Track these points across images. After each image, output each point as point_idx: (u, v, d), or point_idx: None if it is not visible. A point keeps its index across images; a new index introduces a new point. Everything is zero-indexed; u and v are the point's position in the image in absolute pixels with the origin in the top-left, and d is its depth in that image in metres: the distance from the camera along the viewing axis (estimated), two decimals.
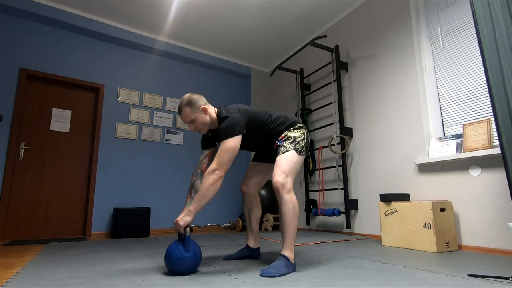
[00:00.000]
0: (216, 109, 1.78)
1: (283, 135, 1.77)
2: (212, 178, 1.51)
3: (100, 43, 3.94)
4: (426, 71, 2.75)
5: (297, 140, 1.73)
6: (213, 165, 1.54)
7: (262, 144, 1.85)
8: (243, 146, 1.83)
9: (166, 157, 4.16)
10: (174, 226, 1.60)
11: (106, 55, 3.96)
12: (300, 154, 1.71)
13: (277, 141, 1.78)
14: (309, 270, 1.59)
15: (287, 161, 1.65)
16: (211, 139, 1.85)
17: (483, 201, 2.19)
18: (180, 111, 1.69)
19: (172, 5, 3.54)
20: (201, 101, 1.71)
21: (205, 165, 1.79)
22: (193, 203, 1.51)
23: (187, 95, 1.71)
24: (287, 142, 1.72)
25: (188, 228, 1.54)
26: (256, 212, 1.96)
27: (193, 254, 1.53)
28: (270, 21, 3.86)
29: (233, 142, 1.56)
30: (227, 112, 1.65)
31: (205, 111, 1.70)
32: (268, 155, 1.95)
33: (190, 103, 1.67)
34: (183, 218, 1.51)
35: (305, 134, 1.79)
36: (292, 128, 1.80)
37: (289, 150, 1.68)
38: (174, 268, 1.51)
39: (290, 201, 1.59)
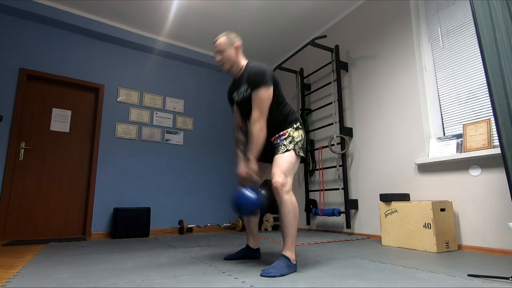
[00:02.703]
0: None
1: (284, 131, 1.75)
2: (258, 126, 1.66)
3: (100, 43, 3.94)
4: (426, 71, 2.75)
5: (296, 140, 1.73)
6: (255, 114, 1.66)
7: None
8: (244, 118, 1.89)
9: (166, 157, 4.16)
10: (239, 180, 1.81)
11: (106, 55, 3.96)
12: (298, 154, 1.71)
13: (278, 136, 1.75)
14: (309, 270, 1.59)
15: (286, 161, 1.65)
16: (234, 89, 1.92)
17: (483, 201, 2.19)
18: (216, 39, 1.83)
19: (172, 5, 3.54)
20: (237, 40, 1.83)
21: (239, 120, 1.95)
22: (250, 152, 1.67)
23: (228, 31, 1.89)
24: (287, 141, 1.71)
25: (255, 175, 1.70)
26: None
27: (260, 198, 1.66)
28: (270, 21, 3.86)
29: (267, 92, 1.68)
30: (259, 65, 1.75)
31: (237, 48, 1.82)
32: (264, 153, 1.90)
33: (228, 36, 1.82)
34: (249, 167, 1.68)
35: (303, 135, 1.80)
36: (294, 125, 1.79)
37: (289, 150, 1.68)
38: (246, 212, 1.63)
39: (290, 202, 1.59)
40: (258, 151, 1.68)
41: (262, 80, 1.67)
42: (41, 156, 3.43)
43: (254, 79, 1.68)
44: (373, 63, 3.22)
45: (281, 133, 1.76)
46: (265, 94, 1.67)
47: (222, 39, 1.80)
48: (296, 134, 1.75)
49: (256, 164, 1.69)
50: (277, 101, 1.77)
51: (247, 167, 1.70)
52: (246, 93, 1.76)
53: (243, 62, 1.85)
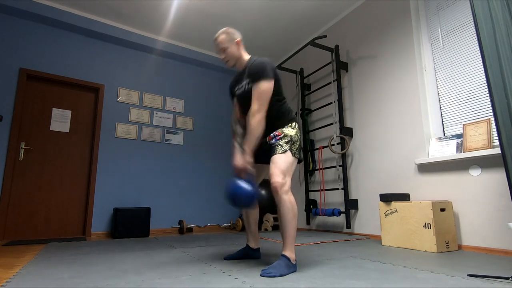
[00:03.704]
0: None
1: (279, 131, 1.74)
2: (257, 119, 1.66)
3: (100, 43, 3.94)
4: (426, 71, 2.75)
5: (293, 140, 1.72)
6: (254, 106, 1.66)
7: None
8: (244, 111, 1.89)
9: (166, 157, 4.16)
10: (235, 171, 1.79)
11: (106, 55, 3.96)
12: (294, 156, 1.70)
13: (273, 136, 1.74)
14: (309, 270, 1.59)
15: (284, 162, 1.64)
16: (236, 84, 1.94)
17: (483, 201, 2.19)
18: (216, 38, 1.83)
19: (172, 5, 3.54)
20: (237, 35, 1.84)
21: (238, 113, 1.95)
22: (247, 144, 1.68)
23: (226, 27, 1.88)
24: (283, 141, 1.70)
25: (252, 171, 1.72)
26: (254, 213, 1.95)
27: (256, 190, 1.65)
28: (270, 21, 3.86)
29: (267, 85, 1.67)
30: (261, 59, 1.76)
31: (238, 44, 1.83)
32: (261, 155, 1.88)
33: (227, 33, 1.82)
34: (245, 158, 1.68)
35: (300, 136, 1.79)
36: (291, 125, 1.78)
37: (286, 150, 1.67)
38: (241, 203, 1.62)
39: (289, 202, 1.59)
40: (255, 144, 1.68)
41: (263, 72, 1.67)
42: (41, 156, 3.43)
43: (255, 72, 1.69)
44: (373, 63, 3.22)
45: (276, 133, 1.74)
46: (266, 87, 1.67)
47: (222, 37, 1.81)
48: (292, 133, 1.74)
49: (251, 156, 1.69)
50: (277, 96, 1.77)
51: (243, 158, 1.71)
52: (247, 87, 1.77)
53: (246, 56, 1.87)
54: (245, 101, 1.82)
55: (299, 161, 1.80)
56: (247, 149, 1.68)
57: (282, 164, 1.63)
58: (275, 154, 1.67)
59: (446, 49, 2.65)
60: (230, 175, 4.66)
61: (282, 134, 1.73)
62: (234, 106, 1.99)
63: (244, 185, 1.61)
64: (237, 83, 1.90)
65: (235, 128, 1.96)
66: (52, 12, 3.48)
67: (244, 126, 1.96)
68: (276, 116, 1.77)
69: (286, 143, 1.70)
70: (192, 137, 4.44)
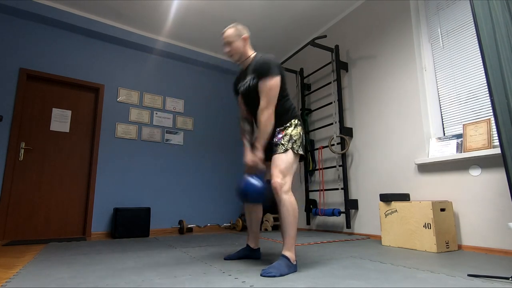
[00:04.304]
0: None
1: (283, 129, 1.74)
2: (266, 115, 1.68)
3: (100, 43, 3.94)
4: (426, 71, 2.75)
5: (294, 138, 1.71)
6: (263, 103, 1.68)
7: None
8: (248, 108, 1.91)
9: (166, 157, 4.16)
10: (246, 168, 1.82)
11: (106, 55, 3.96)
12: (297, 153, 1.70)
13: (276, 135, 1.74)
14: (309, 270, 1.59)
15: (284, 161, 1.64)
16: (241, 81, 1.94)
17: (483, 201, 2.19)
18: (224, 31, 1.87)
19: (172, 5, 3.54)
20: (245, 31, 1.87)
21: (244, 110, 1.97)
22: (257, 141, 1.70)
23: (235, 23, 1.91)
24: (285, 139, 1.70)
25: (262, 167, 1.74)
26: (257, 213, 1.95)
27: (266, 186, 1.68)
28: (270, 21, 3.86)
29: (275, 81, 1.69)
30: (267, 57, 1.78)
31: (245, 40, 1.85)
32: (268, 152, 1.90)
33: (236, 28, 1.86)
34: (257, 155, 1.71)
35: (302, 133, 1.79)
36: (293, 122, 1.77)
37: (287, 149, 1.67)
38: (252, 199, 1.68)
39: (289, 202, 1.59)
40: (266, 140, 1.70)
41: (270, 69, 1.69)
42: (41, 156, 3.43)
43: (262, 69, 1.71)
44: (373, 63, 3.22)
45: (278, 130, 1.75)
46: (273, 83, 1.69)
47: (230, 31, 1.84)
48: (294, 132, 1.73)
49: (262, 153, 1.71)
50: (282, 93, 1.78)
51: (253, 155, 1.73)
52: (252, 83, 1.77)
53: (251, 53, 1.88)
54: (249, 97, 1.83)
55: (302, 158, 1.79)
56: (258, 145, 1.70)
57: (281, 165, 1.63)
58: (276, 153, 1.68)
59: (446, 49, 2.65)
60: (230, 174, 4.66)
61: (284, 133, 1.73)
62: (240, 104, 1.99)
63: (255, 182, 1.65)
64: (241, 80, 1.90)
65: (242, 126, 1.97)
66: (52, 12, 3.48)
67: (251, 123, 1.99)
68: (281, 112, 1.77)
69: (288, 141, 1.70)
70: (192, 137, 4.44)
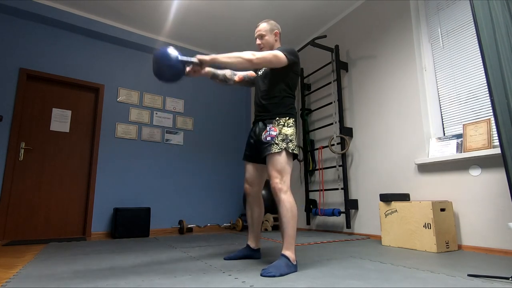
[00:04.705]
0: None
1: (276, 127, 1.72)
2: (247, 54, 1.65)
3: (100, 43, 3.94)
4: (426, 71, 2.75)
5: (289, 138, 1.71)
6: (257, 54, 1.67)
7: (265, 96, 1.83)
8: (258, 87, 1.93)
9: (166, 157, 4.16)
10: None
11: (106, 55, 3.96)
12: (292, 152, 1.70)
13: (268, 130, 1.72)
14: (309, 270, 1.59)
15: (280, 162, 1.65)
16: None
17: (483, 201, 2.19)
18: (258, 25, 1.95)
19: (172, 5, 3.54)
20: (277, 27, 1.96)
21: (253, 77, 2.07)
22: (219, 55, 1.64)
23: (268, 19, 2.05)
24: (279, 139, 1.69)
25: (195, 59, 1.65)
26: (259, 213, 1.95)
27: (184, 65, 1.61)
28: None
29: (282, 56, 1.72)
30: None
31: (276, 35, 1.93)
32: (258, 153, 1.85)
33: (269, 23, 1.94)
34: (204, 56, 1.67)
35: (295, 132, 1.79)
36: (289, 120, 1.76)
37: (282, 149, 1.67)
38: (164, 72, 1.58)
39: (288, 202, 1.59)
40: (221, 63, 1.64)
41: (286, 50, 1.76)
42: (41, 156, 3.43)
43: (280, 48, 1.79)
44: (373, 63, 3.22)
45: (271, 128, 1.72)
46: (280, 55, 1.71)
47: (264, 25, 1.92)
48: (290, 131, 1.73)
49: (209, 59, 1.65)
50: (289, 89, 1.82)
51: (195, 68, 1.74)
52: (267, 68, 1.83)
53: (279, 44, 1.96)
54: (263, 82, 1.86)
55: (295, 157, 1.78)
56: (214, 56, 1.63)
57: (278, 165, 1.64)
58: (271, 153, 1.67)
59: (446, 49, 2.65)
60: (230, 174, 4.66)
61: (278, 131, 1.71)
62: (253, 77, 2.08)
63: (172, 53, 1.56)
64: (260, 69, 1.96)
65: (231, 74, 2.03)
66: (52, 12, 3.48)
67: (243, 83, 2.07)
68: (279, 103, 1.78)
69: (282, 140, 1.69)
70: (192, 137, 4.44)
